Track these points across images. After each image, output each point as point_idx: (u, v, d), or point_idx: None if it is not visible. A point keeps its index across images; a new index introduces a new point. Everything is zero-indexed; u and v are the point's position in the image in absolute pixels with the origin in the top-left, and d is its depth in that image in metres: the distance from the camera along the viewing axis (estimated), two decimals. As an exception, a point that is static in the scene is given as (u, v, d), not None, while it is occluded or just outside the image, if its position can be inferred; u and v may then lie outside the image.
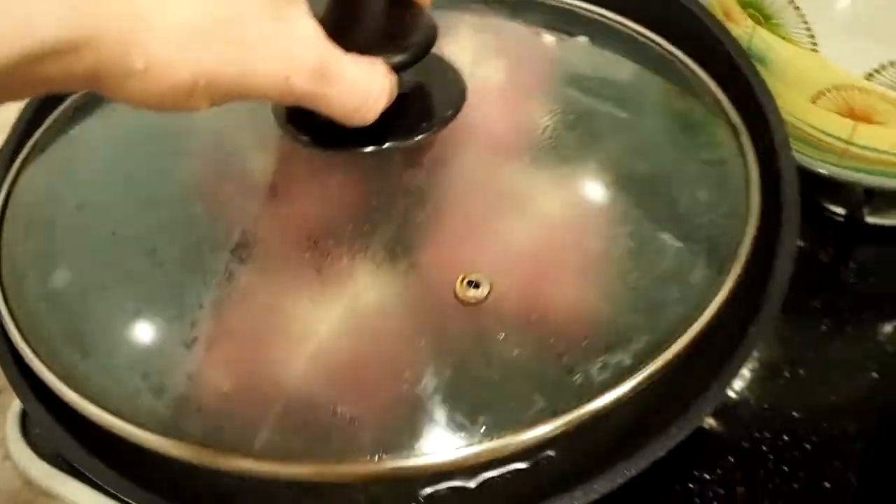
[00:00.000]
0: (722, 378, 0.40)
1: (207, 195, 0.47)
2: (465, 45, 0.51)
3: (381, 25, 0.41)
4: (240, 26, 0.31)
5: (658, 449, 0.38)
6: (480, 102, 0.46)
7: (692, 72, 0.50)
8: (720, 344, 0.43)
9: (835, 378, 0.53)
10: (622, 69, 0.52)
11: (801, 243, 0.55)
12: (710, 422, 0.52)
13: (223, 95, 0.32)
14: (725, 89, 0.49)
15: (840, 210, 0.57)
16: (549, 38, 0.52)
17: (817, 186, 0.57)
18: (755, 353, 0.54)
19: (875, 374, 0.53)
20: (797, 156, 0.50)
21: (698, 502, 0.48)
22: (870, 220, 0.56)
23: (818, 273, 0.57)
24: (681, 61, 0.51)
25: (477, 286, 0.42)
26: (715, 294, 0.44)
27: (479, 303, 0.41)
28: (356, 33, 0.39)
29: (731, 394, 0.53)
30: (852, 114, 0.47)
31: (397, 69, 0.39)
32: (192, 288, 0.43)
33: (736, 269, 0.44)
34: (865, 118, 0.47)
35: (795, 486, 0.48)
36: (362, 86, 0.36)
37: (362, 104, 0.36)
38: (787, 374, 0.54)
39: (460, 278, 0.42)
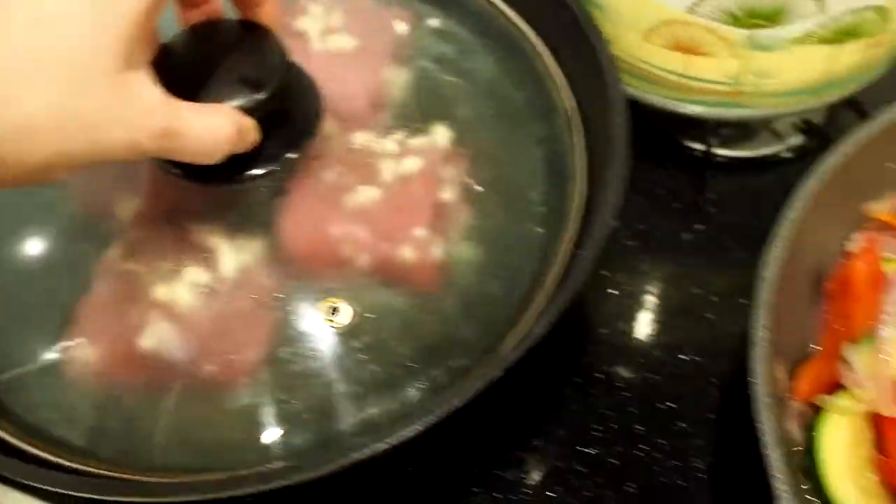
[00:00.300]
0: (556, 300, 0.41)
1: (86, 228, 0.48)
2: (317, 22, 0.53)
3: (231, 69, 0.42)
4: (84, 109, 0.33)
5: (494, 372, 0.39)
6: (336, 103, 0.48)
7: (522, 31, 0.53)
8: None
9: (701, 306, 0.55)
10: (458, 37, 0.54)
11: (666, 183, 0.58)
12: (584, 357, 0.54)
13: (78, 166, 0.34)
14: (563, 37, 0.52)
15: (699, 146, 0.59)
16: (391, 13, 0.54)
17: (678, 126, 0.60)
18: (630, 289, 0.57)
19: (742, 300, 0.55)
20: (640, 93, 0.53)
21: (571, 432, 0.50)
22: (722, 152, 0.59)
23: (684, 208, 0.59)
24: (510, 19, 0.53)
25: (338, 311, 0.44)
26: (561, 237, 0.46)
27: (342, 325, 0.44)
28: (207, 83, 0.40)
29: (604, 329, 0.55)
30: (682, 47, 0.50)
31: (253, 111, 0.41)
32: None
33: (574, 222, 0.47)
34: (693, 50, 0.49)
35: (660, 406, 0.51)
36: (208, 133, 0.38)
37: (209, 149, 0.38)
38: (657, 305, 0.56)
39: (324, 304, 0.45)
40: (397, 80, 0.52)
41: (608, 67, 0.48)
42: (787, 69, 0.49)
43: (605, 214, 0.43)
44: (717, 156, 0.58)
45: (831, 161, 0.44)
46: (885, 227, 0.48)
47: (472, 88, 0.53)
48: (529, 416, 0.51)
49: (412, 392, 0.43)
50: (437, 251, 0.47)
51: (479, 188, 0.49)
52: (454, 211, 0.49)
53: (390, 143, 0.49)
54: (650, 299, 0.56)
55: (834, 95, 0.52)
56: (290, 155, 0.45)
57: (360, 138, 0.49)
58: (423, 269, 0.46)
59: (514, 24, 0.54)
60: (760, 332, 0.39)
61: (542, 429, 0.50)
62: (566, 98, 0.51)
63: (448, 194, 0.48)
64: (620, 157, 0.45)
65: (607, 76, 0.48)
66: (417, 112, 0.51)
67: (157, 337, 0.44)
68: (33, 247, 0.48)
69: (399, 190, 0.47)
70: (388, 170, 0.48)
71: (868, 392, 0.42)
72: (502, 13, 0.54)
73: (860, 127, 0.45)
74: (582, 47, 0.50)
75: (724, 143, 0.58)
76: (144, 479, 0.40)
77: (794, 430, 0.43)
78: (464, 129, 0.51)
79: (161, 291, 0.45)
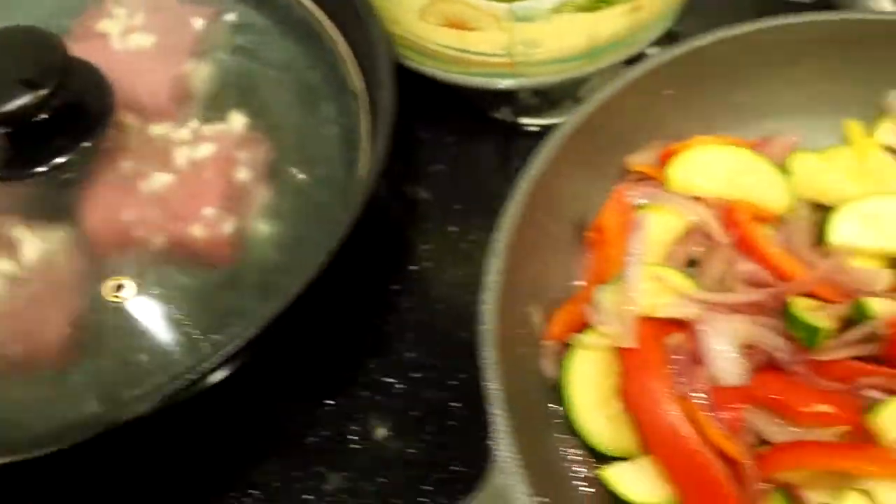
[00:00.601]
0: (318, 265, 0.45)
1: None
2: (119, 23, 0.57)
3: (13, 71, 0.45)
4: None
5: (251, 331, 0.43)
6: (136, 97, 0.52)
7: (317, 18, 0.57)
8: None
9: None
10: (257, 28, 0.58)
11: (479, 154, 0.61)
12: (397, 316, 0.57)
13: None
14: (350, 21, 0.55)
15: (506, 117, 0.63)
16: (191, 10, 0.57)
17: (486, 100, 0.63)
18: (449, 256, 0.60)
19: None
20: (429, 69, 0.56)
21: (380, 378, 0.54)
22: (529, 121, 0.62)
23: (495, 178, 0.62)
24: (305, 6, 0.57)
25: (126, 288, 0.48)
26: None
27: (125, 301, 0.48)
28: None
29: (420, 293, 0.58)
30: (454, 24, 0.53)
31: (38, 108, 0.44)
32: None
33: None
34: (464, 26, 0.53)
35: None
36: None
37: None
38: (469, 268, 0.59)
39: (113, 282, 0.48)
40: (198, 72, 0.55)
41: (378, 47, 0.51)
42: (552, 38, 0.53)
43: (369, 182, 0.47)
44: (524, 125, 0.62)
45: (573, 121, 0.47)
46: (644, 177, 0.51)
47: (271, 75, 0.56)
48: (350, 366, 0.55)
49: (196, 357, 0.46)
50: (227, 228, 0.50)
51: (277, 167, 0.53)
52: (250, 190, 0.52)
53: (185, 132, 0.52)
54: (463, 263, 0.59)
55: (609, 60, 0.56)
56: (84, 144, 0.48)
57: (158, 129, 0.53)
58: (214, 245, 0.50)
59: (309, 11, 0.57)
60: (493, 278, 0.42)
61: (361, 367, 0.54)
62: (356, 78, 0.55)
63: (243, 175, 0.52)
64: (385, 130, 0.49)
65: (377, 55, 0.51)
66: (217, 101, 0.54)
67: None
68: None
69: (191, 174, 0.51)
70: (181, 156, 0.51)
71: (612, 328, 0.45)
72: (298, 1, 0.57)
73: (604, 87, 0.49)
74: (364, 30, 0.53)
75: (531, 113, 0.62)
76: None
77: (550, 368, 0.46)
78: (263, 113, 0.54)
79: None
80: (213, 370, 0.42)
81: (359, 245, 0.49)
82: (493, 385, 0.40)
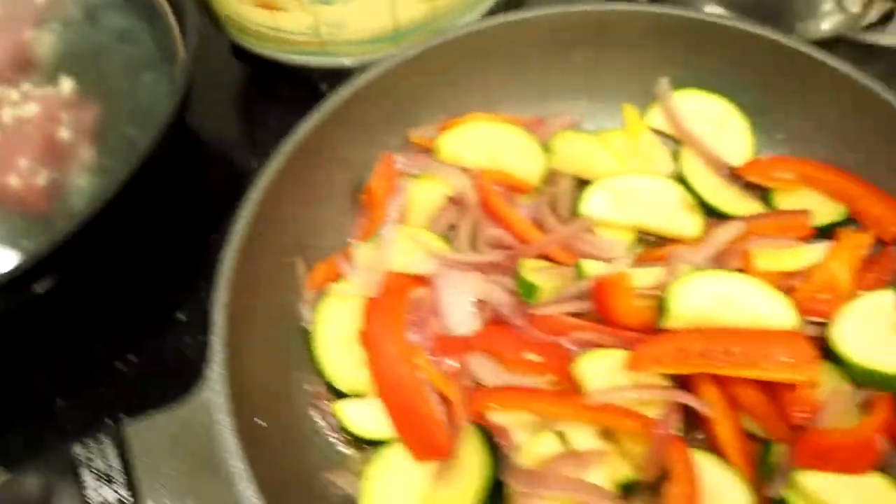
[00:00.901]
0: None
1: None
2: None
3: None
4: None
5: (24, 265, 0.48)
6: None
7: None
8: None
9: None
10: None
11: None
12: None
13: None
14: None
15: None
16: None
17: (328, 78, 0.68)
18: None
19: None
20: (256, 48, 0.61)
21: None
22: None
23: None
24: None
25: None
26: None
27: None
28: None
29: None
30: (264, 4, 0.58)
31: None
32: None
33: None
34: (272, 6, 0.58)
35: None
36: None
37: None
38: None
39: None
40: (38, 41, 0.61)
41: (188, 18, 0.56)
42: (355, 20, 0.57)
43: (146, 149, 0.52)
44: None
45: (341, 93, 0.52)
46: (423, 148, 0.56)
47: (108, 44, 0.62)
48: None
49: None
50: (41, 180, 0.55)
51: (105, 128, 0.58)
52: (73, 147, 0.57)
53: (15, 94, 0.58)
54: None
55: (415, 42, 0.60)
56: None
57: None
58: (28, 193, 0.55)
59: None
60: (237, 228, 0.47)
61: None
62: (181, 48, 0.60)
63: (65, 134, 0.57)
64: (178, 98, 0.53)
65: (188, 26, 0.56)
66: (54, 67, 0.60)
67: None
68: None
69: (14, 131, 0.56)
70: (8, 115, 0.57)
71: (360, 279, 0.50)
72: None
73: (378, 64, 0.53)
74: (184, 7, 0.58)
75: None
76: None
77: (307, 313, 0.51)
78: (97, 79, 0.60)
79: None
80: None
81: (166, 200, 0.54)
82: (216, 315, 0.44)
